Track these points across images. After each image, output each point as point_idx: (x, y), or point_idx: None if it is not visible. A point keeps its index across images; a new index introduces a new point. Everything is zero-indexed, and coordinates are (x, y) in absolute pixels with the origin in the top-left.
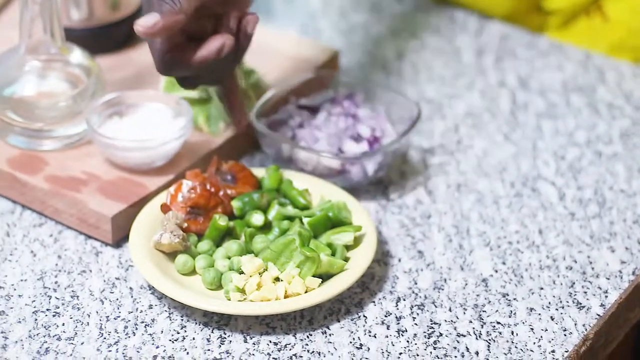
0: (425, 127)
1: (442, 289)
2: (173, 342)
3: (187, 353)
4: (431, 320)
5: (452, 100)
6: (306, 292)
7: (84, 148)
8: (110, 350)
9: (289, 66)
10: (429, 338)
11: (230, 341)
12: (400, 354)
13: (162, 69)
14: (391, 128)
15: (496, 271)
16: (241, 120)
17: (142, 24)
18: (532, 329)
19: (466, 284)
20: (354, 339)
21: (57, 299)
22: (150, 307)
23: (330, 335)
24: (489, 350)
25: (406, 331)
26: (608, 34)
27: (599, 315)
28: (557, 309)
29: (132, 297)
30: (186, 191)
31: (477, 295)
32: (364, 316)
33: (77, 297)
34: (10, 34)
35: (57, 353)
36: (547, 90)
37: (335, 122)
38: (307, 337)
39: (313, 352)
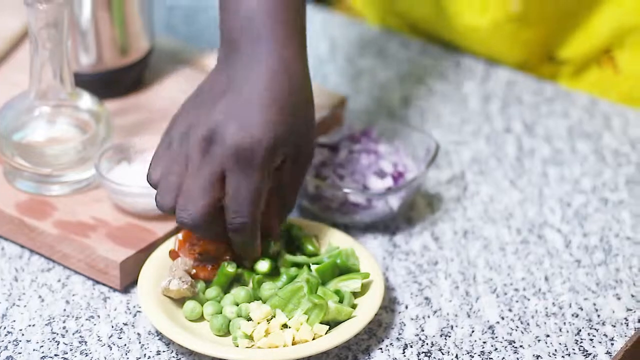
0: (432, 174)
1: (449, 336)
2: None
3: None
4: None
5: (459, 146)
6: (314, 339)
7: (93, 193)
8: None
9: None
10: None
11: None
12: None
13: (197, 223)
14: (412, 163)
15: (502, 318)
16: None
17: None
18: None
19: (473, 331)
20: None
21: (66, 344)
22: (159, 353)
23: None
24: None
25: None
26: (619, 84)
27: None
28: (563, 357)
29: (140, 342)
30: (195, 237)
31: (484, 343)
32: None
33: (85, 342)
34: (17, 77)
35: None
36: (553, 136)
37: (358, 159)
38: None
39: None
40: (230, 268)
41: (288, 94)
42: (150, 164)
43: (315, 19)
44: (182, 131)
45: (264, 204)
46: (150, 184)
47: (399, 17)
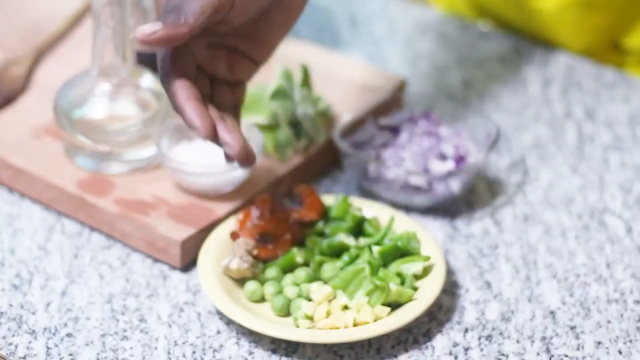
0: (492, 158)
1: (510, 321)
2: None
3: None
4: (499, 352)
5: (518, 131)
6: (375, 320)
7: (153, 172)
8: None
9: (356, 94)
10: None
11: None
12: None
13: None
14: (474, 147)
15: (564, 303)
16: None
17: (140, 30)
18: None
19: (534, 316)
20: None
21: (125, 322)
22: (218, 332)
23: None
24: None
25: None
26: None
27: None
28: (624, 343)
29: (200, 322)
30: (255, 218)
31: (545, 328)
32: (432, 346)
33: (145, 321)
34: (77, 55)
35: None
36: (613, 122)
37: (419, 141)
38: None
39: None
40: (299, 258)
41: None
42: None
43: (374, 1)
44: None
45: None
46: None
47: (467, 0)
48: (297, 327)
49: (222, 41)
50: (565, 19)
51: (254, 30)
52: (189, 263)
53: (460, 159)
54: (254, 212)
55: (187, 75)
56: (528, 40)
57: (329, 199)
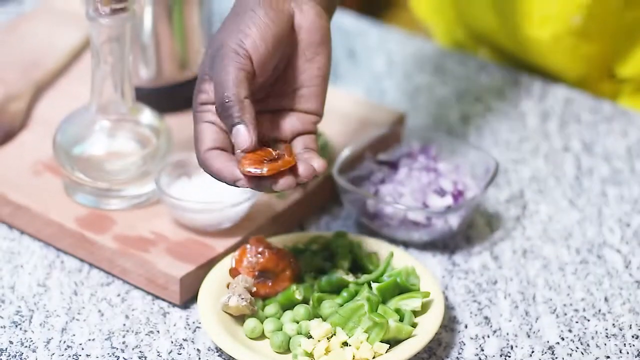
0: (491, 192)
1: (509, 356)
2: None
3: None
4: None
5: (517, 165)
6: (374, 357)
7: (152, 208)
8: None
9: (355, 128)
10: None
11: None
12: None
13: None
14: (472, 182)
15: (563, 339)
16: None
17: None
18: None
19: (533, 352)
20: None
21: (125, 359)
22: None
23: None
24: None
25: None
26: None
27: None
28: None
29: (199, 358)
30: (253, 255)
31: None
32: None
33: (145, 357)
34: (77, 89)
35: None
36: (611, 155)
37: (418, 177)
38: None
39: None
40: (298, 295)
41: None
42: None
43: (372, 34)
44: None
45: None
46: None
47: (465, 28)
48: None
49: (263, 106)
50: (560, 48)
51: (285, 84)
52: (188, 300)
53: (458, 194)
54: (250, 250)
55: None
56: (526, 73)
57: (328, 235)
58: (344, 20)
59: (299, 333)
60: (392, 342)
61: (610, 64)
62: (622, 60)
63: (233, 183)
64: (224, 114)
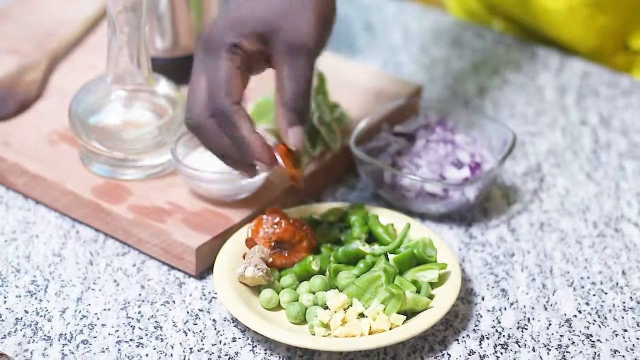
0: (508, 165)
1: (526, 329)
2: None
3: None
4: None
5: (534, 138)
6: (390, 328)
7: (168, 178)
8: None
9: (372, 100)
10: None
11: None
12: None
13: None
14: (489, 154)
15: (580, 312)
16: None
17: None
18: None
19: (550, 324)
20: None
21: (141, 329)
22: (234, 339)
23: None
24: None
25: None
26: None
27: None
28: None
29: (215, 329)
30: (270, 226)
31: (561, 336)
32: (448, 354)
33: (161, 327)
34: (92, 61)
35: None
36: (629, 129)
37: (435, 148)
38: None
39: None
40: (315, 266)
41: None
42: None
43: (389, 7)
44: None
45: (238, 92)
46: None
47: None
48: (313, 334)
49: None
50: (574, 19)
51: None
52: (204, 270)
53: (476, 166)
54: (266, 221)
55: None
56: (543, 46)
57: (344, 206)
58: None
59: (315, 304)
60: (409, 314)
61: (625, 36)
62: (636, 33)
63: (259, 164)
64: (303, 110)
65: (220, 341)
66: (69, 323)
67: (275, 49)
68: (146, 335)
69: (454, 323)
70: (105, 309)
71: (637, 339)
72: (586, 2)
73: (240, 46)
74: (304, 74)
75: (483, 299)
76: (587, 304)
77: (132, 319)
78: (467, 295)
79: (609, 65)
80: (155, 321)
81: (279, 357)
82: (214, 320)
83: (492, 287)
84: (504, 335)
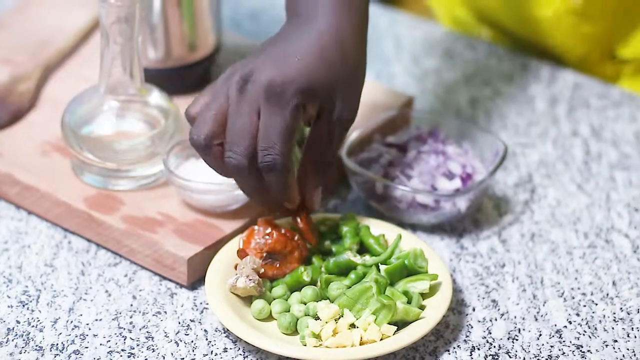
0: (499, 176)
1: (517, 339)
2: None
3: None
4: None
5: (526, 149)
6: (381, 339)
7: (160, 189)
8: None
9: (364, 111)
10: None
11: None
12: None
13: (240, 163)
14: (481, 165)
15: (570, 322)
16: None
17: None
18: None
19: (540, 335)
20: None
21: (132, 339)
22: (225, 350)
23: None
24: None
25: None
26: None
27: None
28: None
29: (207, 339)
30: (261, 236)
31: (551, 347)
32: None
33: (152, 338)
34: (85, 71)
35: None
36: (620, 140)
37: (426, 159)
38: None
39: None
40: (306, 276)
41: (335, 52)
42: (193, 101)
43: (381, 18)
44: (226, 75)
45: (293, 145)
46: (187, 118)
47: (468, 7)
48: (304, 345)
49: None
50: (561, 27)
51: None
52: (196, 281)
53: (467, 177)
54: (258, 231)
55: None
56: (535, 57)
57: (336, 217)
58: None
59: (306, 314)
60: (400, 324)
61: (612, 45)
62: (623, 42)
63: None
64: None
65: (212, 351)
66: (60, 333)
67: (327, 120)
68: (138, 345)
69: (444, 334)
70: (97, 320)
71: (627, 349)
72: (572, 11)
73: (305, 108)
74: (342, 142)
75: (474, 309)
76: (578, 314)
77: (124, 329)
78: (458, 306)
79: (597, 74)
80: (147, 331)
81: None
82: (205, 330)
83: (483, 298)
84: (494, 346)
